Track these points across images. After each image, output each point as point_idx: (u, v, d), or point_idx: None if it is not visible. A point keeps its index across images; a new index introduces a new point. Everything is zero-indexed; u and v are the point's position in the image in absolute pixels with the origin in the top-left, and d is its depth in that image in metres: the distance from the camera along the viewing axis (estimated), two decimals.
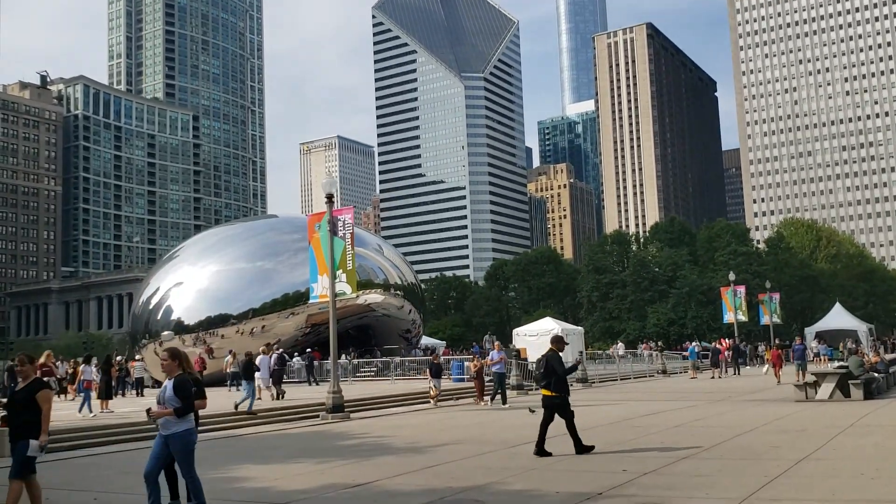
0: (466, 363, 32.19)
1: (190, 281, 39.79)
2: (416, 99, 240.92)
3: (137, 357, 36.41)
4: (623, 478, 9.24)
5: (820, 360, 42.85)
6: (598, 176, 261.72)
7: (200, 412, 8.49)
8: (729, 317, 47.98)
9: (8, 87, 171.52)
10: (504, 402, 22.29)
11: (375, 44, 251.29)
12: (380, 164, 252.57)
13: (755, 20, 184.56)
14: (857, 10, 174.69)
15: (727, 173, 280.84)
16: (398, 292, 45.88)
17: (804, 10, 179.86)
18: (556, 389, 11.48)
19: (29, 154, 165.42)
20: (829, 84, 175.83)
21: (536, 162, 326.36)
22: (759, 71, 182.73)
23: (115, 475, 11.15)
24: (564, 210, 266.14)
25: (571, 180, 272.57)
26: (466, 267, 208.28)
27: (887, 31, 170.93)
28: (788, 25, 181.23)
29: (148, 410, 7.62)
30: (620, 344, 54.10)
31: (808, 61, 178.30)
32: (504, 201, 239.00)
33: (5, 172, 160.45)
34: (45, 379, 19.96)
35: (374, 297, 43.39)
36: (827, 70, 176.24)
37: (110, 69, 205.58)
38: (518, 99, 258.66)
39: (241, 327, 38.01)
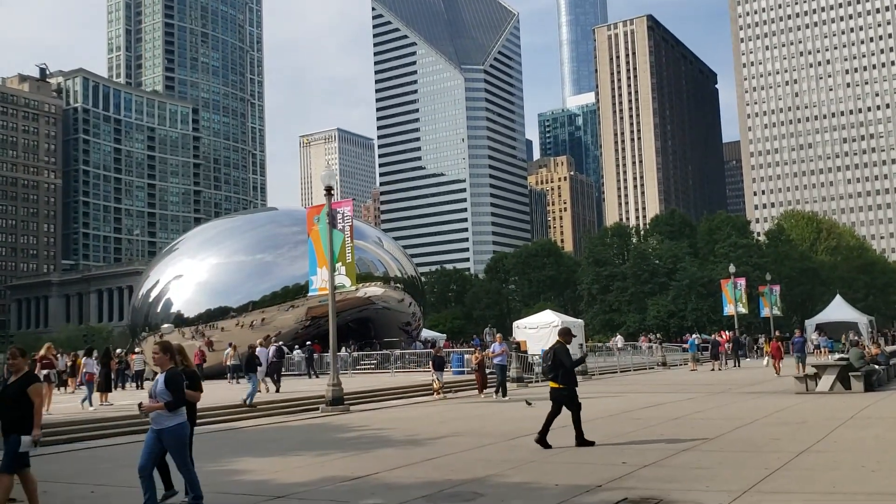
0: (467, 356, 32.20)
1: (190, 274, 39.79)
2: (415, 91, 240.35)
3: (137, 350, 36.44)
4: (623, 470, 9.21)
5: (820, 352, 42.85)
6: (598, 168, 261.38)
7: (199, 404, 8.45)
8: (729, 309, 47.94)
9: (7, 80, 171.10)
10: (504, 394, 22.29)
11: (375, 36, 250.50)
12: (380, 156, 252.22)
13: (756, 12, 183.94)
14: (858, 1, 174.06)
15: (727, 165, 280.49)
16: (398, 285, 45.87)
17: (805, 1, 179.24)
18: (563, 381, 11.49)
19: (28, 147, 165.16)
20: (829, 76, 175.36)
21: (537, 154, 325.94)
22: (760, 63, 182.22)
23: (114, 468, 11.12)
24: (565, 203, 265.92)
25: (572, 173, 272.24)
26: (467, 260, 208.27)
27: (888, 23, 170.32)
28: (789, 17, 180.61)
29: (140, 405, 7.58)
30: (619, 336, 54.09)
31: (809, 53, 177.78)
32: (504, 194, 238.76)
33: (5, 165, 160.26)
34: (45, 372, 20.12)
35: (373, 289, 43.38)
36: (828, 62, 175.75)
37: (109, 62, 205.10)
38: (518, 91, 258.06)
39: (240, 320, 38.03)
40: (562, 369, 11.49)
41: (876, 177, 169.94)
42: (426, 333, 53.70)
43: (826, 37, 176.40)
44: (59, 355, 31.89)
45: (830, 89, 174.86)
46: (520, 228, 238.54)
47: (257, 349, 23.57)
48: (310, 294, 24.11)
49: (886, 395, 19.15)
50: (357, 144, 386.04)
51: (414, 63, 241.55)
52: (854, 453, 10.10)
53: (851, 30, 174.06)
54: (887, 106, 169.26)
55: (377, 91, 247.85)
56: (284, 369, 33.67)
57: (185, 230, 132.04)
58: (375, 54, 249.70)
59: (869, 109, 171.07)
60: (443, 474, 9.44)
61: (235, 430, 16.36)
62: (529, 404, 19.21)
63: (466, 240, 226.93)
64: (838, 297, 61.43)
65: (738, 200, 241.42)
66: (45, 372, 20.30)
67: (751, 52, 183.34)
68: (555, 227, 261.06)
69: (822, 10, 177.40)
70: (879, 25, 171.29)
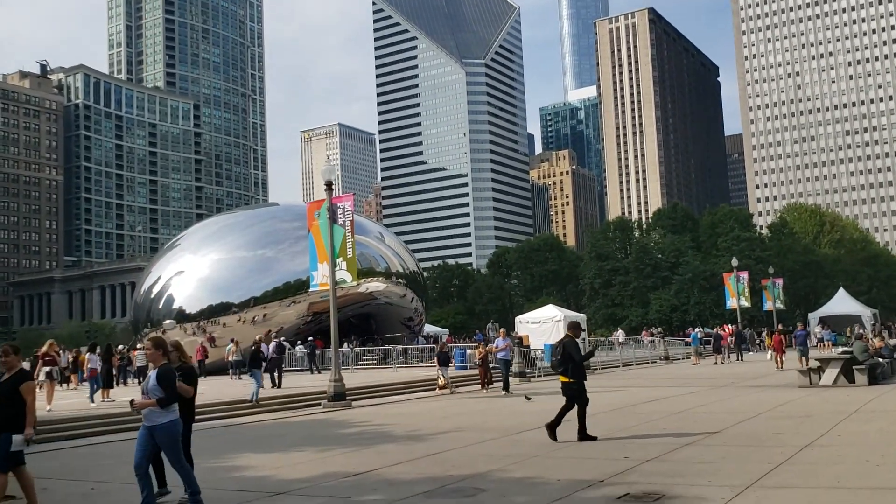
0: (469, 351, 32.15)
1: (191, 269, 39.80)
2: (417, 86, 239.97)
3: (139, 346, 36.42)
4: (625, 465, 9.16)
5: (824, 345, 42.75)
6: (600, 162, 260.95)
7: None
8: (732, 303, 47.88)
9: (8, 77, 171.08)
10: (504, 388, 22.24)
11: (376, 31, 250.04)
12: (381, 151, 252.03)
13: (757, 4, 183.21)
14: None
15: (730, 159, 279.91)
16: (400, 280, 45.83)
17: None
18: (573, 375, 11.47)
19: (30, 144, 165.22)
20: (832, 68, 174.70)
21: (538, 149, 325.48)
22: (762, 55, 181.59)
23: (114, 465, 11.09)
24: (567, 197, 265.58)
25: (574, 167, 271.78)
26: (469, 255, 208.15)
27: (891, 15, 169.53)
28: (791, 9, 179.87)
29: (131, 402, 7.52)
30: (620, 331, 54.03)
31: (811, 45, 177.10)
32: (506, 188, 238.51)
33: (6, 162, 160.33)
34: (48, 369, 20.10)
35: (375, 285, 43.36)
36: (830, 54, 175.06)
37: (110, 58, 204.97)
38: (520, 85, 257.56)
39: (242, 316, 38.04)
40: (571, 363, 11.50)
41: (879, 169, 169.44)
42: (428, 329, 53.73)
43: (828, 28, 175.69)
44: (61, 352, 31.93)
45: (833, 81, 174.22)
46: (522, 223, 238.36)
47: (261, 345, 23.54)
48: (311, 289, 24.07)
49: (890, 388, 19.06)
50: (358, 139, 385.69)
51: (415, 57, 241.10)
52: (858, 447, 10.03)
53: (854, 21, 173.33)
54: (890, 98, 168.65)
55: (378, 86, 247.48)
56: (286, 365, 33.70)
57: (186, 226, 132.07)
58: (376, 49, 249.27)
59: (872, 101, 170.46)
60: (444, 470, 9.40)
61: (237, 427, 16.34)
62: (529, 399, 19.20)
63: (468, 234, 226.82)
64: (842, 290, 61.33)
65: (740, 194, 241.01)
66: (47, 369, 20.27)
67: (753, 45, 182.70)
68: (557, 222, 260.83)
69: (825, 1, 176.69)
70: (882, 17, 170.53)
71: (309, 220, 22.18)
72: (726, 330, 42.13)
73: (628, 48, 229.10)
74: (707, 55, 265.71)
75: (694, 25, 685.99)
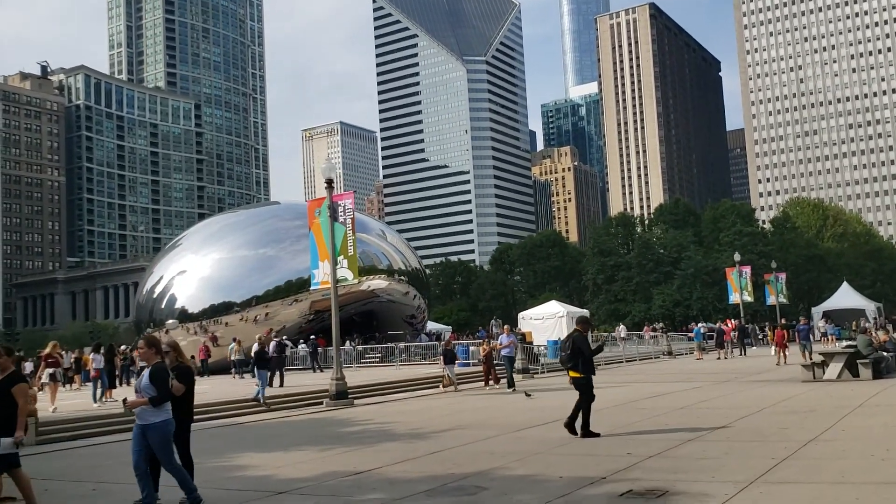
0: (473, 348, 32.09)
1: (193, 269, 39.81)
2: (417, 83, 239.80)
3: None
4: (628, 461, 9.11)
5: (827, 339, 42.65)
6: (602, 158, 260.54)
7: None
8: (734, 297, 47.78)
9: (8, 78, 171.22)
10: (510, 386, 22.18)
11: (376, 28, 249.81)
12: (383, 149, 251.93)
13: None
14: None
15: (732, 154, 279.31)
16: (402, 278, 45.80)
17: None
18: (583, 370, 11.50)
19: (31, 145, 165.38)
20: (834, 62, 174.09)
21: (540, 145, 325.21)
22: (764, 49, 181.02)
23: (115, 465, 11.05)
24: (569, 193, 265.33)
25: (575, 163, 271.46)
26: (471, 251, 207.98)
27: (893, 7, 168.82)
28: (793, 2, 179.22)
29: (124, 400, 7.48)
30: (622, 326, 53.99)
31: (814, 39, 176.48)
32: (508, 185, 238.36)
33: (8, 163, 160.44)
34: (51, 370, 20.10)
35: (378, 282, 43.33)
36: (832, 47, 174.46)
37: (111, 59, 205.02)
38: (521, 82, 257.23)
39: (244, 315, 38.05)
40: (581, 358, 11.50)
41: (882, 162, 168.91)
42: (431, 326, 53.70)
43: (830, 22, 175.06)
44: (63, 353, 31.95)
45: (835, 75, 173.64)
46: (524, 219, 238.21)
47: (255, 344, 23.42)
48: (312, 288, 24.02)
49: (895, 382, 18.97)
50: (360, 137, 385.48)
51: (416, 55, 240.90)
52: (863, 442, 9.97)
53: (856, 14, 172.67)
54: (893, 91, 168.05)
55: (379, 84, 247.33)
56: (288, 364, 33.68)
57: (189, 226, 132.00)
58: (377, 47, 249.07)
59: (875, 95, 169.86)
60: (446, 468, 9.36)
61: (239, 426, 16.31)
62: (529, 395, 19.16)
63: (471, 231, 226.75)
64: (845, 284, 61.19)
65: (742, 188, 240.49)
66: (50, 370, 20.31)
67: (754, 39, 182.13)
68: (559, 218, 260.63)
69: None
70: (885, 10, 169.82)
71: (310, 218, 22.13)
72: (729, 325, 42.04)
73: (629, 44, 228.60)
74: (708, 50, 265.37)
75: (695, 20, 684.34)
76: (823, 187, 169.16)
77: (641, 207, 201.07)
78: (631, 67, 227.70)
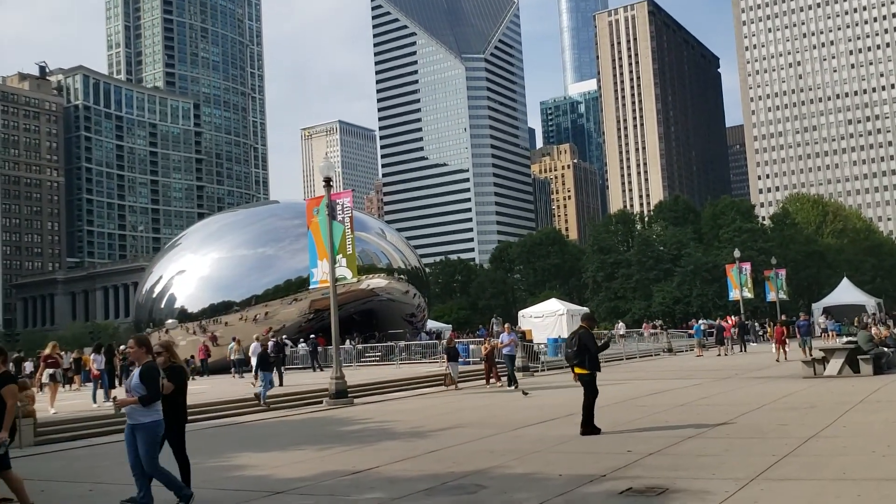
0: (472, 346, 32.05)
1: (192, 269, 39.79)
2: (416, 82, 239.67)
3: None
4: (628, 458, 9.07)
5: (828, 335, 42.60)
6: (601, 156, 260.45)
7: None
8: (735, 294, 47.74)
9: (7, 79, 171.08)
10: (510, 384, 22.13)
11: (375, 27, 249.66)
12: (382, 147, 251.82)
13: None
14: None
15: (731, 150, 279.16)
16: (402, 276, 45.76)
17: None
18: (589, 367, 11.49)
19: (30, 145, 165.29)
20: (833, 57, 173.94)
21: (539, 143, 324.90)
22: (763, 45, 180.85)
23: (113, 465, 11.01)
24: (568, 191, 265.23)
25: (575, 161, 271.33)
26: (471, 250, 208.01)
27: (892, 2, 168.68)
28: None
29: (114, 398, 7.43)
30: (621, 324, 53.97)
31: (812, 34, 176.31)
32: (508, 183, 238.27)
33: (7, 164, 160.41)
34: (51, 371, 20.07)
35: (377, 281, 43.29)
36: (831, 43, 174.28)
37: (109, 59, 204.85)
38: (519, 80, 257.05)
39: (244, 314, 38.04)
40: (587, 354, 11.48)
41: (882, 158, 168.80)
42: (431, 324, 53.66)
43: (829, 17, 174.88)
44: (63, 353, 31.92)
45: (834, 70, 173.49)
46: (524, 217, 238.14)
47: (252, 344, 23.33)
48: (311, 287, 23.99)
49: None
50: (359, 136, 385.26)
51: (414, 53, 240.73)
52: (864, 438, 9.92)
53: (855, 10, 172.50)
54: (892, 86, 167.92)
55: (378, 82, 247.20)
56: (289, 362, 33.62)
57: (188, 226, 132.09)
58: (375, 45, 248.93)
59: (874, 90, 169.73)
60: (445, 466, 9.31)
61: (238, 425, 16.27)
62: (525, 394, 19.14)
63: (471, 230, 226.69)
64: (845, 280, 61.15)
65: (742, 185, 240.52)
66: (50, 371, 20.30)
67: (753, 35, 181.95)
68: (559, 216, 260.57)
69: None
70: (883, 5, 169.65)
71: (308, 217, 22.08)
72: (729, 321, 42.00)
73: (628, 41, 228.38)
74: (707, 46, 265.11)
75: (694, 16, 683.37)
76: (823, 183, 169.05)
77: (641, 204, 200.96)
78: (630, 64, 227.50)
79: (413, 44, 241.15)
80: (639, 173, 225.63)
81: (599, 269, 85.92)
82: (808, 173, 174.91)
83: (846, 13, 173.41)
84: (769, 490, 7.17)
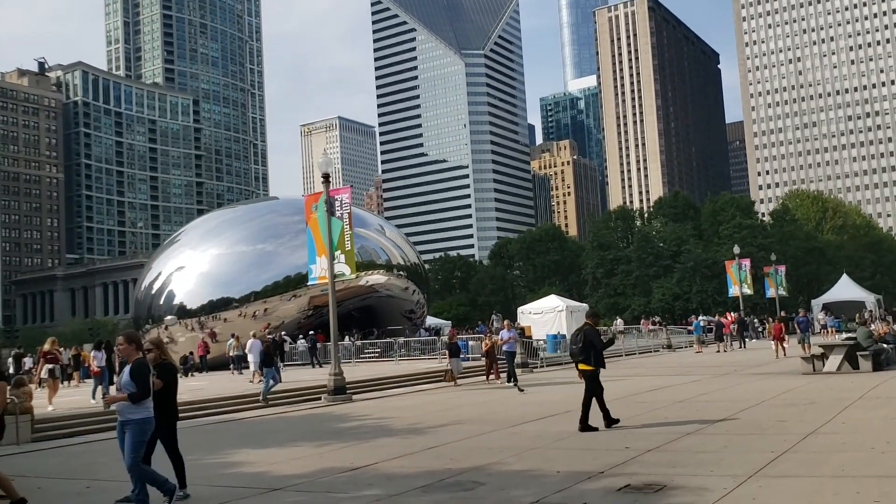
0: (472, 342, 32.02)
1: (191, 265, 39.75)
2: (416, 78, 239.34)
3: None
4: (626, 455, 9.04)
5: (827, 332, 42.60)
6: (601, 152, 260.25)
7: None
8: (734, 290, 47.71)
9: (6, 75, 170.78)
10: (510, 380, 22.10)
11: (374, 23, 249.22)
12: (381, 144, 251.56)
13: None
14: None
15: (731, 146, 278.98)
16: (401, 273, 45.69)
17: None
18: (594, 363, 11.49)
19: (29, 142, 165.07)
20: (833, 53, 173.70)
21: (539, 139, 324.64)
22: (763, 42, 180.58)
23: (111, 462, 10.96)
24: (568, 187, 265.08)
25: (575, 157, 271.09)
26: (471, 246, 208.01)
27: None
28: None
29: (104, 395, 7.39)
30: (619, 320, 53.92)
31: (813, 30, 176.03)
32: (507, 179, 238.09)
33: (6, 160, 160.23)
34: (50, 367, 20.04)
35: (376, 277, 43.24)
36: (831, 39, 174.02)
37: (109, 55, 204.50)
38: (519, 76, 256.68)
39: (243, 310, 38.01)
40: (593, 350, 11.48)
41: (882, 154, 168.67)
42: (431, 321, 53.62)
43: (829, 13, 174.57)
44: (62, 349, 31.89)
45: (835, 66, 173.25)
46: (523, 213, 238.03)
47: (250, 341, 23.28)
48: (309, 283, 23.92)
49: (895, 374, 18.90)
50: (358, 132, 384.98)
51: (414, 49, 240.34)
52: (863, 434, 9.90)
53: (855, 5, 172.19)
54: (892, 82, 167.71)
55: (377, 78, 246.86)
56: (288, 359, 33.60)
57: (188, 222, 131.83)
58: (375, 41, 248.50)
59: (874, 86, 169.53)
60: (443, 463, 9.29)
61: (235, 422, 16.26)
62: (522, 391, 19.12)
63: (470, 226, 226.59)
64: (845, 277, 61.11)
65: (742, 181, 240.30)
66: (49, 367, 20.26)
67: (753, 31, 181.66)
68: (558, 212, 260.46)
69: None
70: (883, 1, 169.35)
71: (306, 213, 22.02)
72: (728, 318, 41.98)
73: (628, 37, 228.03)
74: (707, 42, 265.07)
75: (694, 12, 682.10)
76: (823, 179, 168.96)
77: (641, 201, 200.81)
78: (630, 60, 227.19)
79: (413, 40, 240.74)
80: (638, 169, 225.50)
81: (599, 265, 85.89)
82: (807, 169, 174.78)
83: (846, 9, 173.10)
84: (767, 487, 7.14)
